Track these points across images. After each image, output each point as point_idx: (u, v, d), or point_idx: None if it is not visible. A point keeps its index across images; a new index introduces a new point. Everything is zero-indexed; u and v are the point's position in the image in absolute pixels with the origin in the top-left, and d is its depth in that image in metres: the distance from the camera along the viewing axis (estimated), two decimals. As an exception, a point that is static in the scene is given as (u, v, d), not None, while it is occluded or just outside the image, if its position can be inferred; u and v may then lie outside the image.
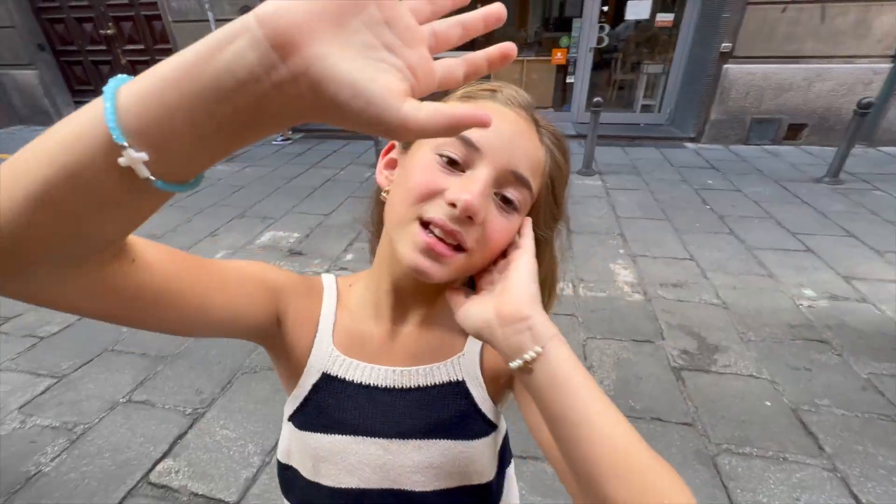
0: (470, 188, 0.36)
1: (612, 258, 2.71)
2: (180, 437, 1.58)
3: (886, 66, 4.29)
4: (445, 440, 0.45)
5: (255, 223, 3.29)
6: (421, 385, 0.46)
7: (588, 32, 5.19)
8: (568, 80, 5.56)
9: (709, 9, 4.64)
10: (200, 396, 1.76)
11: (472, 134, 0.37)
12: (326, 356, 0.46)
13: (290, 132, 5.49)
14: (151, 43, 5.97)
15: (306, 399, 0.46)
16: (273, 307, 0.44)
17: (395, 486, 0.44)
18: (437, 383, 0.46)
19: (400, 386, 0.46)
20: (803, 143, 4.74)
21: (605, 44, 5.23)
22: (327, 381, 0.46)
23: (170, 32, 5.62)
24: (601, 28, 5.16)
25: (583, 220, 3.21)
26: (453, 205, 0.36)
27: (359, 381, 0.46)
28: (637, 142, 5.08)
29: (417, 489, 0.44)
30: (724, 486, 1.37)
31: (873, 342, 1.97)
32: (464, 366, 0.47)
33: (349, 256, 2.81)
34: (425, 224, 0.38)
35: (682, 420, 1.62)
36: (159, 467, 1.47)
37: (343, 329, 0.47)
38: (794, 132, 4.74)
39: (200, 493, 1.37)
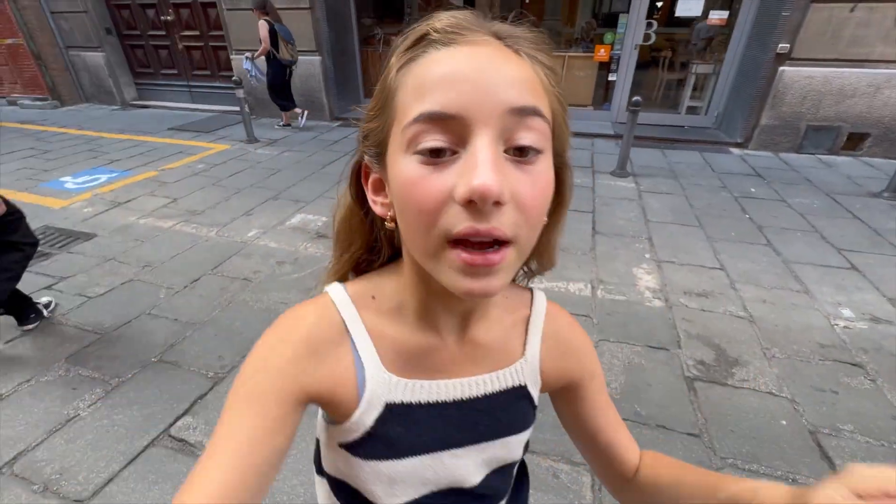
0: (475, 171, 0.28)
1: (636, 262, 2.65)
2: (201, 397, 1.71)
3: (969, 73, 3.91)
4: (508, 437, 0.46)
5: (287, 205, 3.44)
6: (487, 393, 0.44)
7: (634, 29, 5.02)
8: (610, 78, 5.41)
9: (768, 6, 4.37)
10: (221, 362, 1.88)
11: (438, 103, 0.29)
12: (385, 385, 0.40)
13: (304, 117, 5.61)
14: (206, 29, 6.29)
15: (370, 433, 0.41)
16: (304, 402, 0.39)
17: (455, 485, 0.44)
18: (503, 389, 0.45)
19: (468, 396, 0.43)
20: (864, 154, 4.41)
21: (652, 41, 5.04)
22: (393, 411, 0.41)
23: (223, 20, 5.89)
24: (649, 24, 4.97)
25: (610, 222, 3.14)
26: (469, 201, 0.29)
27: (426, 402, 0.42)
28: (679, 145, 4.88)
29: (472, 480, 0.45)
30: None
31: (915, 371, 1.84)
32: (526, 371, 0.46)
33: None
34: (455, 242, 0.30)
35: (689, 431, 1.58)
36: (179, 423, 1.59)
37: (391, 351, 0.41)
38: (854, 142, 4.41)
39: (213, 449, 1.48)
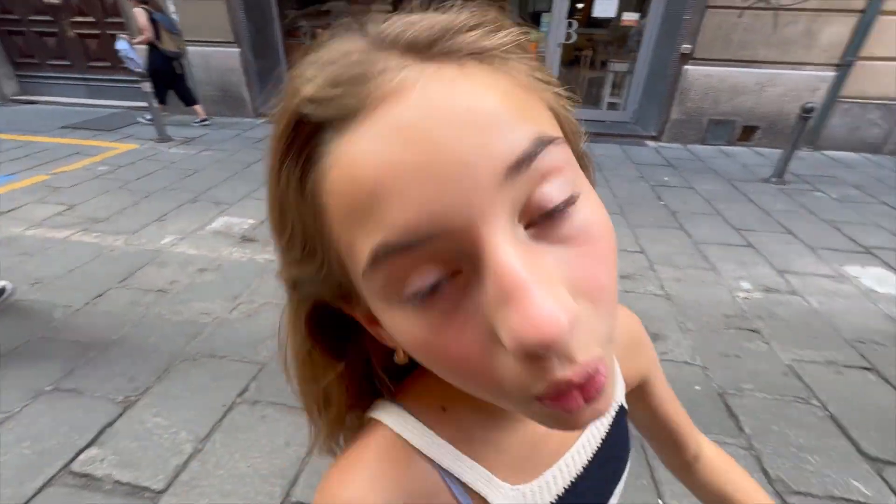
0: (514, 311, 0.17)
1: (566, 250, 2.78)
2: (109, 425, 1.53)
3: (831, 73, 4.55)
4: (628, 464, 0.41)
5: (207, 208, 3.19)
6: (603, 436, 0.37)
7: (556, 28, 5.25)
8: (537, 75, 5.61)
9: (672, 10, 4.78)
10: (134, 384, 1.70)
11: (394, 228, 0.18)
12: (514, 498, 0.30)
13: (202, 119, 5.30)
14: (102, 16, 5.64)
15: None
16: None
17: None
18: (611, 423, 0.38)
19: (590, 457, 0.35)
20: (755, 144, 4.98)
21: (573, 40, 5.31)
22: None
23: (121, 6, 5.32)
24: (570, 24, 5.23)
25: (541, 212, 3.26)
26: (537, 351, 0.18)
27: (559, 491, 0.33)
28: (602, 139, 5.20)
29: None
30: (648, 464, 1.44)
31: (798, 332, 2.11)
32: (618, 391, 0.40)
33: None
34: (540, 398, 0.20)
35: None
36: (83, 456, 1.41)
37: (494, 457, 0.30)
38: (747, 134, 4.98)
39: (125, 480, 1.33)
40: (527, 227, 0.19)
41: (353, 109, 0.19)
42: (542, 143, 0.19)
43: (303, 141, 0.20)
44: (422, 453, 0.28)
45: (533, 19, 5.47)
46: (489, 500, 0.29)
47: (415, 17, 0.20)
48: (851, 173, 4.28)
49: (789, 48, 4.51)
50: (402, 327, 0.21)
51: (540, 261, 0.19)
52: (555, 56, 5.40)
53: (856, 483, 1.40)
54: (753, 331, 2.11)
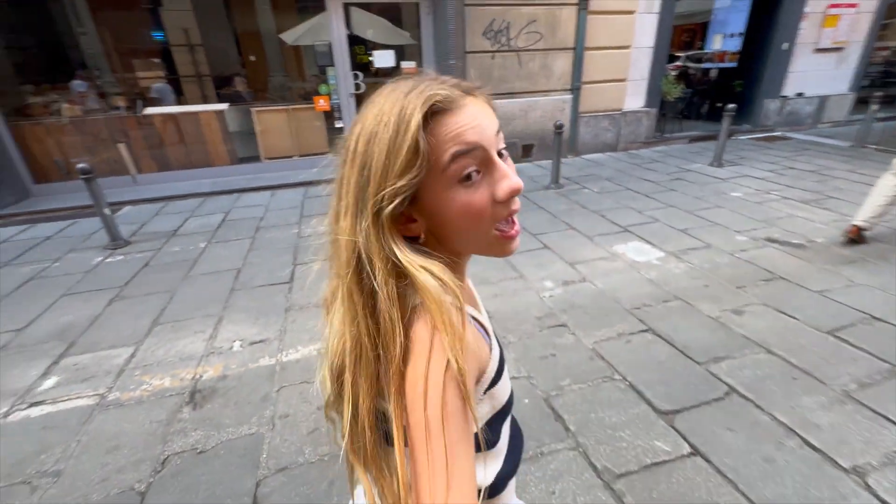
0: (507, 178, 0.44)
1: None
2: None
3: (569, 96, 5.68)
4: None
5: None
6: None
7: (344, 80, 5.37)
8: (337, 125, 5.62)
9: (440, 56, 5.35)
10: None
11: (467, 143, 0.42)
12: (486, 321, 0.56)
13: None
14: None
15: (500, 359, 0.53)
16: None
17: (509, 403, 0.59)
18: None
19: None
20: (534, 159, 5.85)
21: (362, 90, 5.48)
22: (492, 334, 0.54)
23: None
24: (355, 75, 5.40)
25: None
26: (511, 196, 0.44)
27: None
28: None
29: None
30: None
31: (593, 314, 2.39)
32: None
33: (49, 382, 2.03)
34: (498, 229, 0.46)
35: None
36: None
37: (470, 302, 0.56)
38: (527, 151, 5.82)
39: None
40: (500, 155, 0.46)
41: (455, 105, 0.43)
42: (499, 127, 0.46)
43: (429, 110, 0.41)
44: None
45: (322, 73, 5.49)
46: (479, 318, 0.52)
47: (450, 78, 0.46)
48: (603, 169, 5.34)
49: (535, 79, 5.48)
50: (458, 199, 0.43)
51: (508, 166, 0.46)
52: (349, 104, 5.49)
53: (658, 443, 1.56)
54: (561, 325, 2.30)
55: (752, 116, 7.10)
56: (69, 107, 5.37)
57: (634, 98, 6.06)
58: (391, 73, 5.83)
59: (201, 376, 2.04)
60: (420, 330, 0.41)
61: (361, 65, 5.72)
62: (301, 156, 5.81)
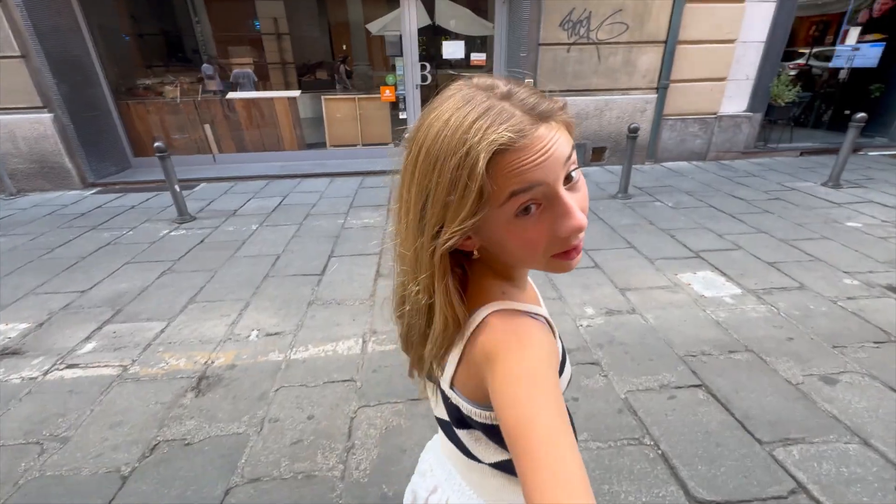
0: (569, 218, 0.41)
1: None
2: None
3: (653, 96, 5.06)
4: None
5: (-37, 316, 2.46)
6: None
7: (412, 71, 5.28)
8: (401, 116, 5.58)
9: (511, 49, 5.03)
10: None
11: (528, 181, 0.40)
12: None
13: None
14: None
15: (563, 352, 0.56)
16: None
17: None
18: None
19: None
20: (606, 163, 5.33)
21: (429, 81, 5.36)
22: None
23: None
24: (423, 66, 5.29)
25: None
26: (572, 235, 0.42)
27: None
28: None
29: None
30: None
31: (635, 355, 2.03)
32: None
33: (88, 347, 2.18)
34: (559, 254, 0.44)
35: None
36: None
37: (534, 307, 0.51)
38: (598, 154, 5.31)
39: None
40: (565, 184, 0.42)
41: (522, 141, 0.39)
42: (574, 148, 0.43)
43: (495, 152, 0.39)
44: (520, 309, 0.47)
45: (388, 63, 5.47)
46: (546, 316, 0.50)
47: (525, 93, 0.41)
48: (684, 181, 4.69)
49: (615, 76, 4.95)
50: (510, 229, 0.42)
51: (573, 200, 0.42)
52: (415, 95, 5.40)
53: (684, 543, 1.24)
54: (593, 363, 1.98)
55: (890, 128, 5.83)
56: (171, 88, 5.94)
57: (734, 100, 5.25)
58: (459, 64, 5.64)
59: (213, 362, 2.05)
60: (491, 338, 0.44)
61: (430, 56, 5.60)
62: (364, 145, 5.88)
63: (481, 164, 0.37)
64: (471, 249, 0.46)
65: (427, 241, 0.43)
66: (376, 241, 3.30)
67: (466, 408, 0.48)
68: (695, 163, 5.39)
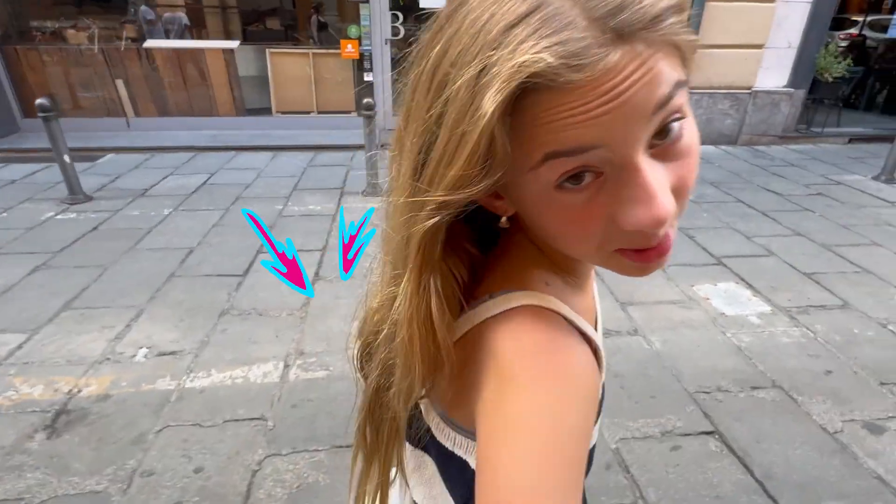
0: (641, 204, 0.30)
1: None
2: None
3: (676, 64, 4.95)
4: None
5: None
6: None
7: (380, 21, 5.08)
8: (366, 78, 5.37)
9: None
10: None
11: (579, 140, 0.28)
12: (598, 340, 0.44)
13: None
14: None
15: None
16: None
17: None
18: None
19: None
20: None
21: (401, 35, 5.16)
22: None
23: None
24: (395, 17, 5.09)
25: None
26: (642, 227, 0.30)
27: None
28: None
29: None
30: None
31: (634, 391, 1.90)
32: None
33: (-86, 365, 1.96)
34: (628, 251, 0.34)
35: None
36: None
37: (583, 314, 0.41)
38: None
39: None
40: (650, 146, 0.31)
41: (570, 84, 0.27)
42: (678, 86, 0.29)
43: (518, 86, 0.27)
44: (561, 314, 0.38)
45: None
46: (595, 341, 0.40)
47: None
48: (710, 169, 4.61)
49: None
50: (551, 204, 0.32)
51: (658, 174, 0.31)
52: (384, 53, 5.20)
53: None
54: (579, 401, 1.84)
55: (956, 114, 5.85)
56: (74, 33, 5.63)
57: (773, 73, 5.18)
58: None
59: (80, 391, 1.86)
60: (507, 341, 0.36)
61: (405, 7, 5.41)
62: (320, 113, 5.67)
63: (488, 102, 0.27)
64: (501, 214, 0.38)
65: (425, 212, 0.33)
66: (321, 235, 3.12)
67: (465, 445, 0.40)
68: (723, 147, 5.32)
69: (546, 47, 0.26)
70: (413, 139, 0.33)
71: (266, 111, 5.62)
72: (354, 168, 4.49)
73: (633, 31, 0.27)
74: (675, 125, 0.30)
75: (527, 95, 0.28)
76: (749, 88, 5.19)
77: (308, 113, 5.64)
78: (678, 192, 0.31)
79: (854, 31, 8.59)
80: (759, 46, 5.03)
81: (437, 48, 0.31)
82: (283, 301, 2.43)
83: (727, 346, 2.17)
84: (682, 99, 0.30)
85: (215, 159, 4.66)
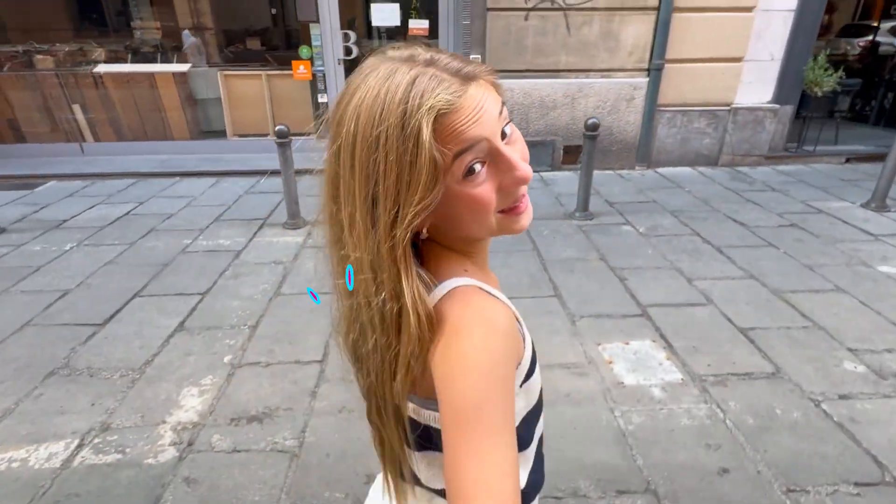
0: (516, 169, 0.47)
1: (204, 373, 2.08)
2: None
3: (643, 79, 4.56)
4: None
5: None
6: None
7: (332, 42, 4.88)
8: (321, 100, 5.18)
9: (455, 16, 4.60)
10: None
11: (470, 139, 0.44)
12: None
13: None
14: None
15: (532, 353, 0.56)
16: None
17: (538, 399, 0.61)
18: None
19: None
20: (580, 166, 4.84)
21: (354, 55, 4.95)
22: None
23: None
24: (346, 36, 4.88)
25: (223, 303, 2.59)
26: (521, 183, 0.48)
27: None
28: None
29: None
30: None
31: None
32: None
33: None
34: (506, 210, 0.50)
35: None
36: None
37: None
38: (571, 155, 4.83)
39: None
40: (503, 139, 0.48)
41: (456, 105, 0.43)
42: (502, 105, 0.48)
43: (434, 120, 0.42)
44: (483, 289, 0.51)
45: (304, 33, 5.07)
46: (507, 303, 0.53)
47: (446, 58, 0.46)
48: (676, 194, 4.19)
49: (591, 52, 4.47)
50: (465, 194, 0.46)
51: (515, 153, 0.48)
52: (337, 73, 5.00)
53: None
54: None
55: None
56: (42, 58, 5.63)
57: (755, 88, 4.73)
58: (393, 35, 5.22)
59: None
60: (452, 311, 0.47)
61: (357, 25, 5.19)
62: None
63: (426, 131, 0.41)
64: (420, 229, 0.49)
65: (384, 233, 0.45)
66: (210, 276, 2.88)
67: (426, 415, 0.51)
68: (701, 169, 4.87)
69: (441, 92, 0.42)
70: (361, 185, 0.44)
71: (221, 134, 5.47)
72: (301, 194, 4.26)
73: (472, 76, 0.45)
74: (508, 128, 0.48)
75: (437, 121, 0.42)
76: (728, 105, 4.74)
77: (265, 135, 5.46)
78: (525, 160, 0.49)
79: (870, 38, 7.97)
80: (738, 59, 4.59)
81: (348, 127, 0.44)
82: (126, 358, 2.18)
83: (610, 429, 1.79)
84: (506, 112, 0.48)
85: (156, 186, 4.51)
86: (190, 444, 1.74)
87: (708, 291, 2.68)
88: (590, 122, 3.47)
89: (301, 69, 5.03)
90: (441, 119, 0.42)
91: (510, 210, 0.50)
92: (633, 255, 3.11)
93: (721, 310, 2.51)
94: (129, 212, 3.90)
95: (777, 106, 4.77)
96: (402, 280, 0.45)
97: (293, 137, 3.47)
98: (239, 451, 1.71)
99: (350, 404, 1.91)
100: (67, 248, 3.26)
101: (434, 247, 0.53)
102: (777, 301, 2.59)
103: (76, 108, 5.24)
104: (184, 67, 5.32)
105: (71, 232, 3.52)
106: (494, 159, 0.46)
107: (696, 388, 1.98)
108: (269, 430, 1.80)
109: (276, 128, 3.38)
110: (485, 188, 0.46)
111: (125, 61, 5.49)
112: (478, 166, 0.45)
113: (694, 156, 4.91)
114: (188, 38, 5.75)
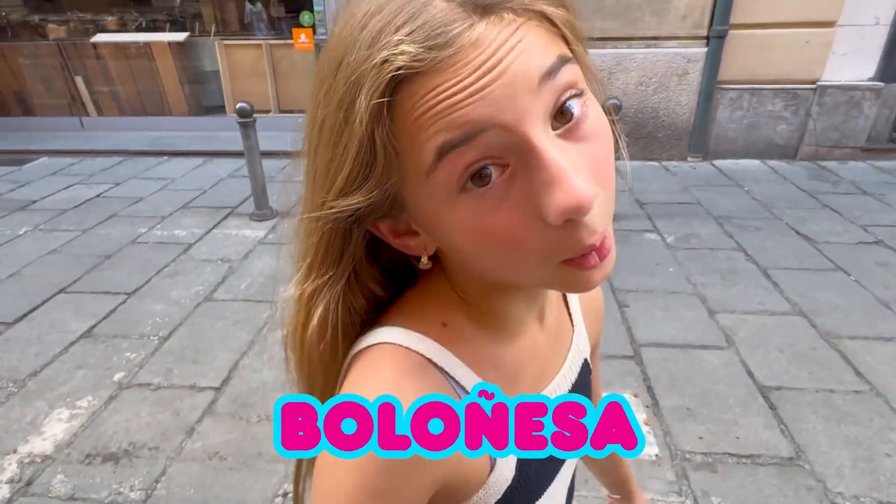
0: (555, 186, 0.28)
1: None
2: None
3: (701, 50, 3.99)
4: None
5: None
6: (575, 378, 0.50)
7: (335, 4, 4.68)
8: (325, 73, 5.01)
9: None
10: None
11: (468, 118, 0.28)
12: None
13: None
14: None
15: (512, 485, 0.42)
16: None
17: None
18: (579, 370, 0.51)
19: (567, 389, 0.49)
20: (618, 157, 4.35)
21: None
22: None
23: None
24: None
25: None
26: (569, 216, 0.29)
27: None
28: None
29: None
30: None
31: None
32: (581, 344, 0.52)
33: None
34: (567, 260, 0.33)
35: None
36: None
37: (491, 373, 0.42)
38: (606, 142, 4.35)
39: None
40: (553, 128, 0.30)
41: (440, 64, 0.27)
42: (563, 61, 0.30)
43: (387, 85, 0.28)
44: (433, 362, 0.38)
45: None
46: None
47: None
48: (731, 194, 3.63)
49: (633, 16, 3.96)
50: (460, 215, 0.31)
51: (566, 153, 0.30)
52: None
53: None
54: None
55: None
56: (55, 27, 5.88)
57: (851, 61, 4.03)
58: None
59: None
60: (346, 380, 0.39)
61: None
62: (283, 111, 5.39)
63: (361, 103, 0.29)
64: (419, 254, 0.38)
65: (321, 222, 0.35)
66: (146, 272, 2.78)
67: None
68: (773, 163, 4.23)
69: (404, 37, 0.27)
70: (310, 144, 0.34)
71: (221, 109, 5.45)
72: (276, 180, 4.12)
73: (493, 4, 0.28)
74: (575, 104, 0.30)
75: (400, 90, 0.28)
76: (813, 82, 4.06)
77: (267, 112, 5.39)
78: (596, 177, 0.31)
79: None
80: (829, 24, 3.89)
81: (328, 45, 0.33)
82: (15, 367, 2.12)
83: None
84: (572, 75, 0.30)
85: (141, 165, 4.56)
86: (28, 483, 1.61)
87: (732, 330, 2.22)
88: (609, 101, 3.02)
89: (302, 38, 4.86)
90: (414, 83, 0.28)
91: (570, 261, 0.32)
92: (647, 272, 2.67)
93: (742, 357, 2.06)
94: (100, 194, 3.93)
95: (881, 84, 4.02)
96: (313, 275, 0.37)
97: (256, 115, 3.29)
98: (75, 501, 1.55)
99: (225, 449, 1.70)
100: (21, 232, 3.30)
101: (433, 275, 0.42)
102: (826, 350, 2.09)
103: (78, 80, 5.40)
104: (179, 36, 5.31)
105: (34, 215, 3.57)
106: (525, 162, 0.29)
107: (672, 471, 1.59)
108: (120, 475, 1.63)
109: (237, 105, 3.21)
110: (506, 213, 0.30)
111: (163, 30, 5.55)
112: (492, 172, 0.30)
113: (765, 146, 4.27)
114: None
